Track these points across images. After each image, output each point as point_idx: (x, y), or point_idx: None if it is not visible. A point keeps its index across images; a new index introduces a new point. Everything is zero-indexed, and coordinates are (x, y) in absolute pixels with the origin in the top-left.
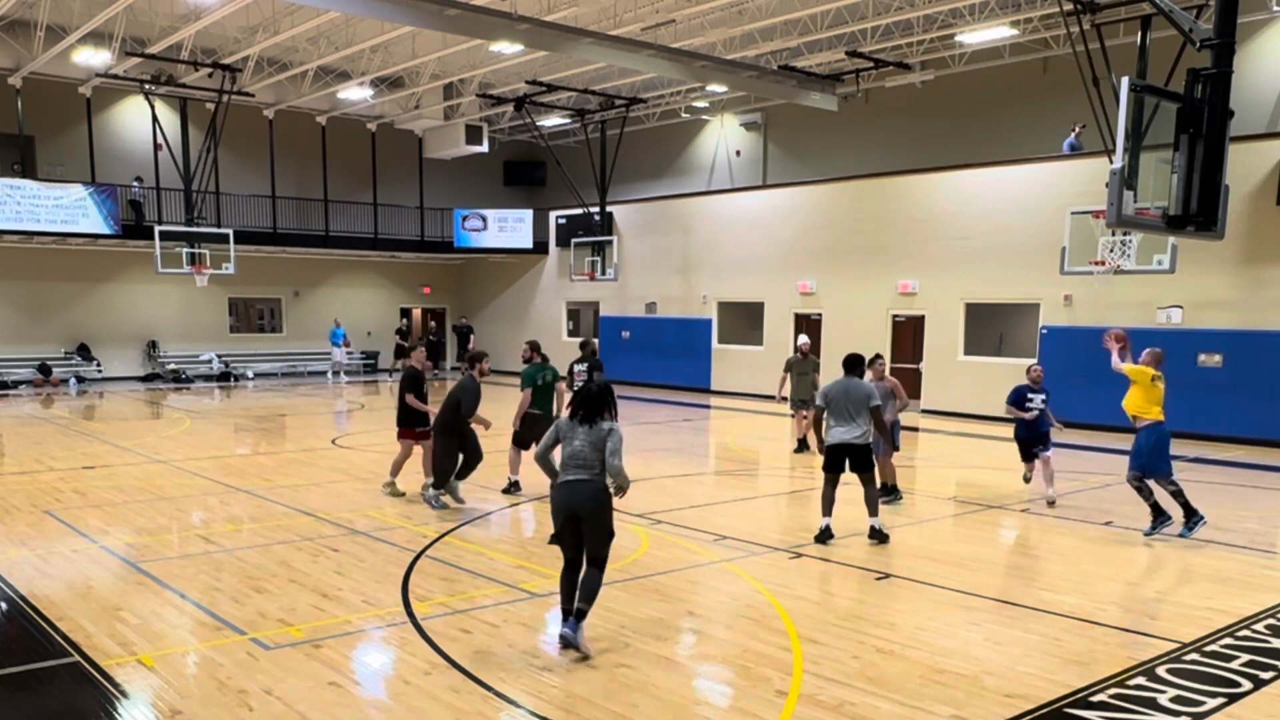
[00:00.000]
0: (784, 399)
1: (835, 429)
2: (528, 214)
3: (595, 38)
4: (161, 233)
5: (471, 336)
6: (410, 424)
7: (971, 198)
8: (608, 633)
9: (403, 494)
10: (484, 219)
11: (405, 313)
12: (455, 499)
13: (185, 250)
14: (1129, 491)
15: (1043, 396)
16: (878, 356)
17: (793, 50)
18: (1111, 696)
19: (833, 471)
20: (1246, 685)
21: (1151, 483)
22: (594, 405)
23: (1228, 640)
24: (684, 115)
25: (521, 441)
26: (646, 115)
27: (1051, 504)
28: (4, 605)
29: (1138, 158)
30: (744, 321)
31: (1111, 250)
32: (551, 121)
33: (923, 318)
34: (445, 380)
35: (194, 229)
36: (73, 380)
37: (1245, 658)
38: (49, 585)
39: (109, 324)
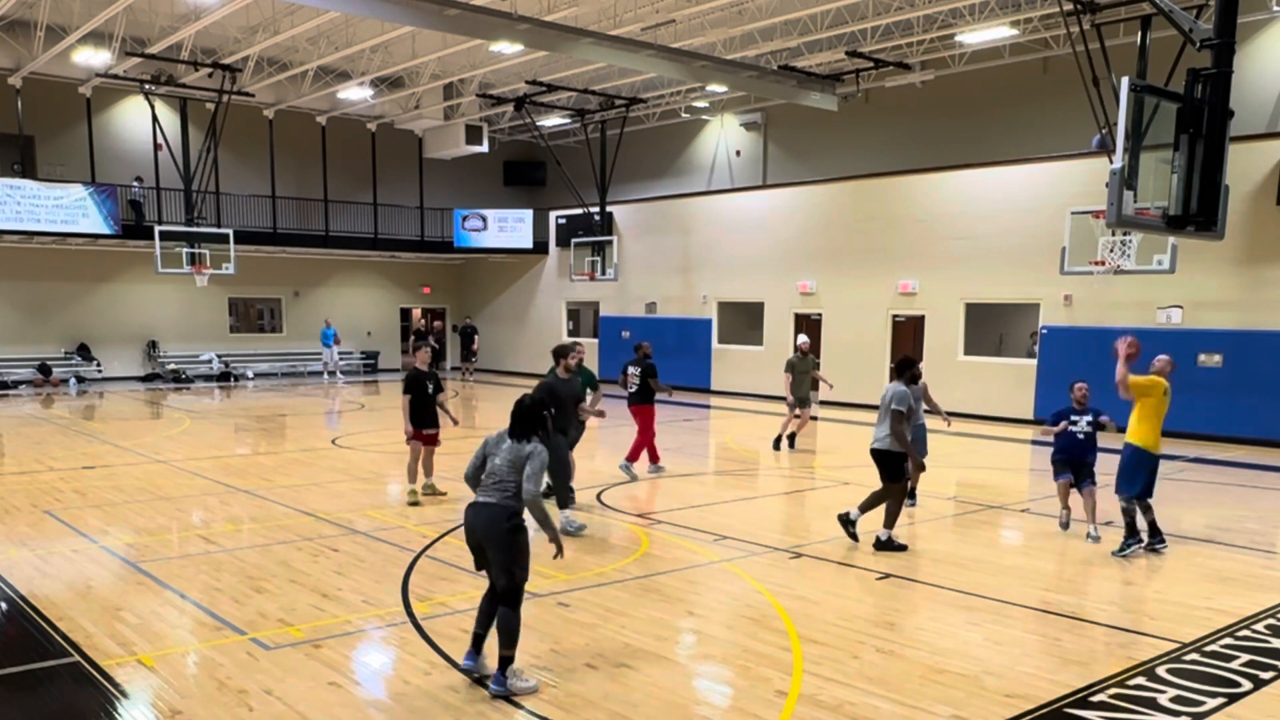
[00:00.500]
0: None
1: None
2: (528, 214)
3: (595, 38)
4: (161, 233)
5: (476, 337)
6: (420, 426)
7: (971, 198)
8: (607, 632)
9: (444, 494)
10: (484, 219)
11: (405, 313)
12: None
13: (185, 250)
14: None
15: (1089, 418)
16: (911, 359)
17: (793, 50)
18: (1111, 696)
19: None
20: (1246, 685)
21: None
22: (523, 420)
23: (1228, 640)
24: (684, 115)
25: None
26: (646, 115)
27: (1095, 540)
28: (4, 605)
29: (1138, 158)
30: (744, 321)
31: (1111, 250)
32: (551, 121)
33: (923, 318)
34: (445, 380)
35: (194, 229)
36: (73, 380)
37: (1245, 658)
38: (49, 585)
39: (109, 324)
